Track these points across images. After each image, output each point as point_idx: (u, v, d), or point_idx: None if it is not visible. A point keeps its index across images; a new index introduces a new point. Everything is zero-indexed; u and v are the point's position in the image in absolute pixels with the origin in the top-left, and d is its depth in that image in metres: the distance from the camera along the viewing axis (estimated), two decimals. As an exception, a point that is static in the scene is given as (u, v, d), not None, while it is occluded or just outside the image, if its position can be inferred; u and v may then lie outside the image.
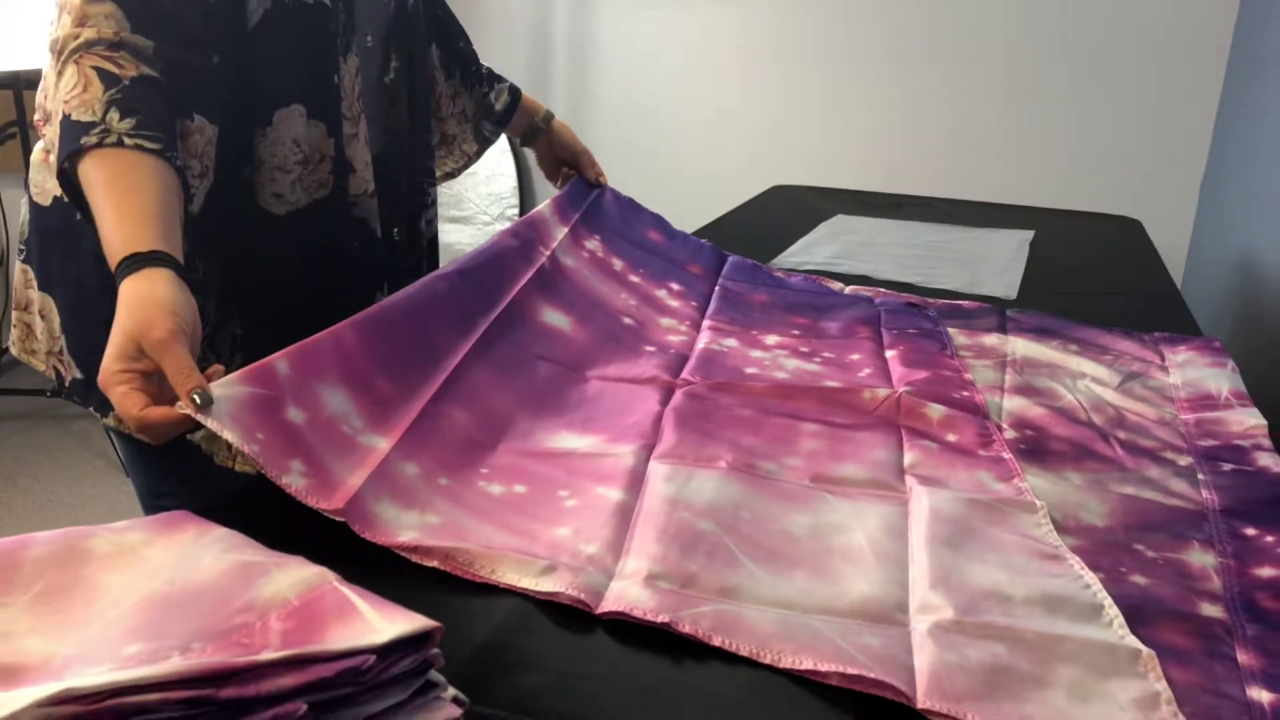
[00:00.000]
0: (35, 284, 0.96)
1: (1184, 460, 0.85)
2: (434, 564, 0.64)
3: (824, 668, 0.56)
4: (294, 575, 0.50)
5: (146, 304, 0.66)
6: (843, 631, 0.60)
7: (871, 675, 0.55)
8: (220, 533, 0.56)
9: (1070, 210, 2.06)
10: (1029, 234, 1.76)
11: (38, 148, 0.94)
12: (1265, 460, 0.84)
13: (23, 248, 0.98)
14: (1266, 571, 0.68)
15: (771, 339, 1.12)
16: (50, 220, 0.93)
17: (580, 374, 0.96)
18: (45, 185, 0.93)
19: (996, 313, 1.25)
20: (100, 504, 2.37)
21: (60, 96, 0.74)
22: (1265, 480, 0.80)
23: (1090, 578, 0.66)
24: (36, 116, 0.92)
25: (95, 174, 0.72)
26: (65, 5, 0.77)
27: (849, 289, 1.35)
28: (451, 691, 0.48)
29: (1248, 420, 0.92)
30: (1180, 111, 2.44)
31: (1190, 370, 1.06)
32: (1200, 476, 0.82)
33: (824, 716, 0.54)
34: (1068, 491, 0.79)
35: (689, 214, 1.78)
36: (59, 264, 0.94)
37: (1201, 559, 0.70)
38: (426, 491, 0.72)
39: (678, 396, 0.92)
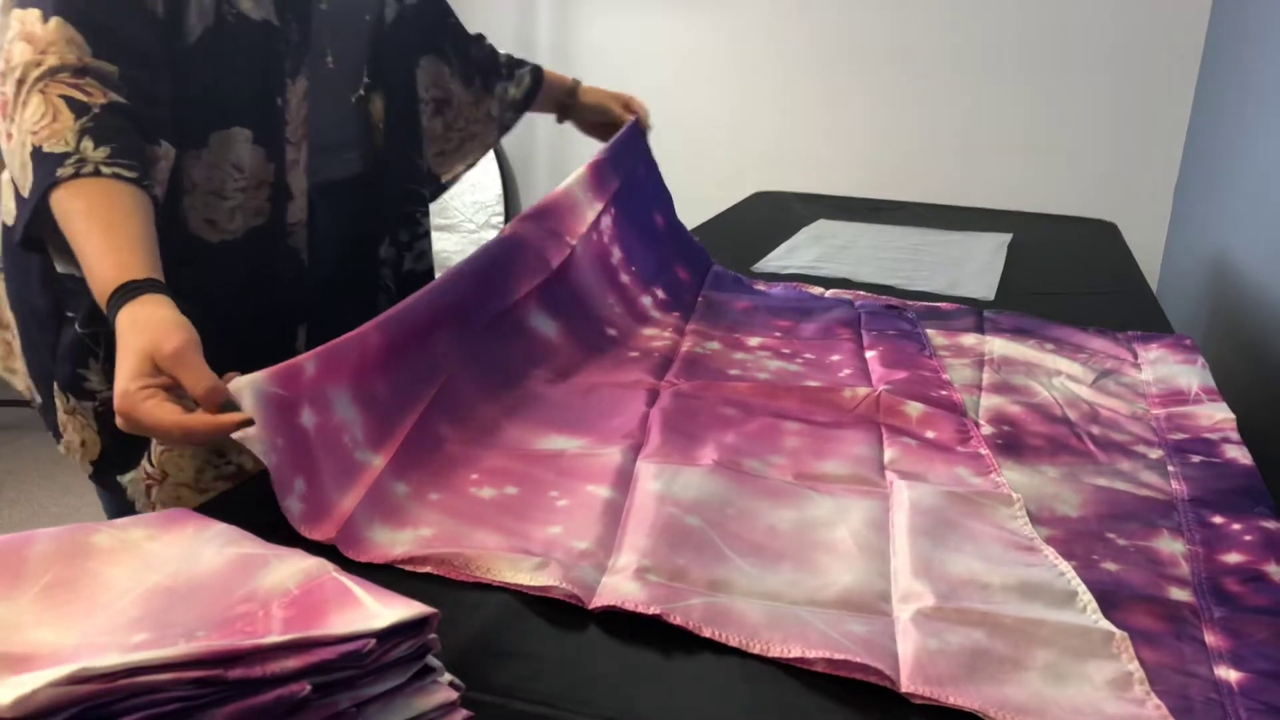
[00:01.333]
0: (8, 302, 0.95)
1: (1155, 453, 0.88)
2: (428, 569, 0.66)
3: (811, 654, 0.58)
4: (294, 566, 0.51)
5: (154, 322, 0.66)
6: (829, 621, 0.62)
7: (857, 660, 0.57)
8: (220, 527, 0.57)
9: (1047, 214, 2.10)
10: (1006, 237, 1.79)
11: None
12: (1233, 452, 0.86)
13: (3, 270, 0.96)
14: (1233, 557, 0.70)
15: (754, 340, 1.14)
16: (9, 241, 0.90)
17: (567, 379, 0.98)
18: (7, 204, 0.90)
19: (974, 314, 1.28)
20: (87, 514, 2.37)
21: (26, 127, 0.72)
22: (1232, 471, 0.83)
23: (1064, 566, 0.68)
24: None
25: (74, 204, 0.70)
26: (20, 33, 0.74)
27: (830, 292, 1.38)
28: (448, 676, 0.49)
29: (1216, 414, 0.94)
30: (1155, 116, 2.48)
31: (1162, 367, 1.09)
32: (1170, 468, 0.85)
33: (812, 703, 0.55)
34: (1043, 484, 0.82)
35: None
36: (15, 286, 0.93)
37: (1171, 546, 0.72)
38: (418, 509, 0.73)
39: (663, 398, 0.94)
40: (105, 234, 0.70)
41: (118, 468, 0.91)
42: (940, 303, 1.35)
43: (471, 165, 1.25)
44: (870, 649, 0.58)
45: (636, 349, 1.08)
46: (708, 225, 1.86)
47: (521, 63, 1.26)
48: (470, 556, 0.66)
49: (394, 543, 0.68)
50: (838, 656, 0.57)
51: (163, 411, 0.63)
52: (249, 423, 0.65)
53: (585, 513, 0.73)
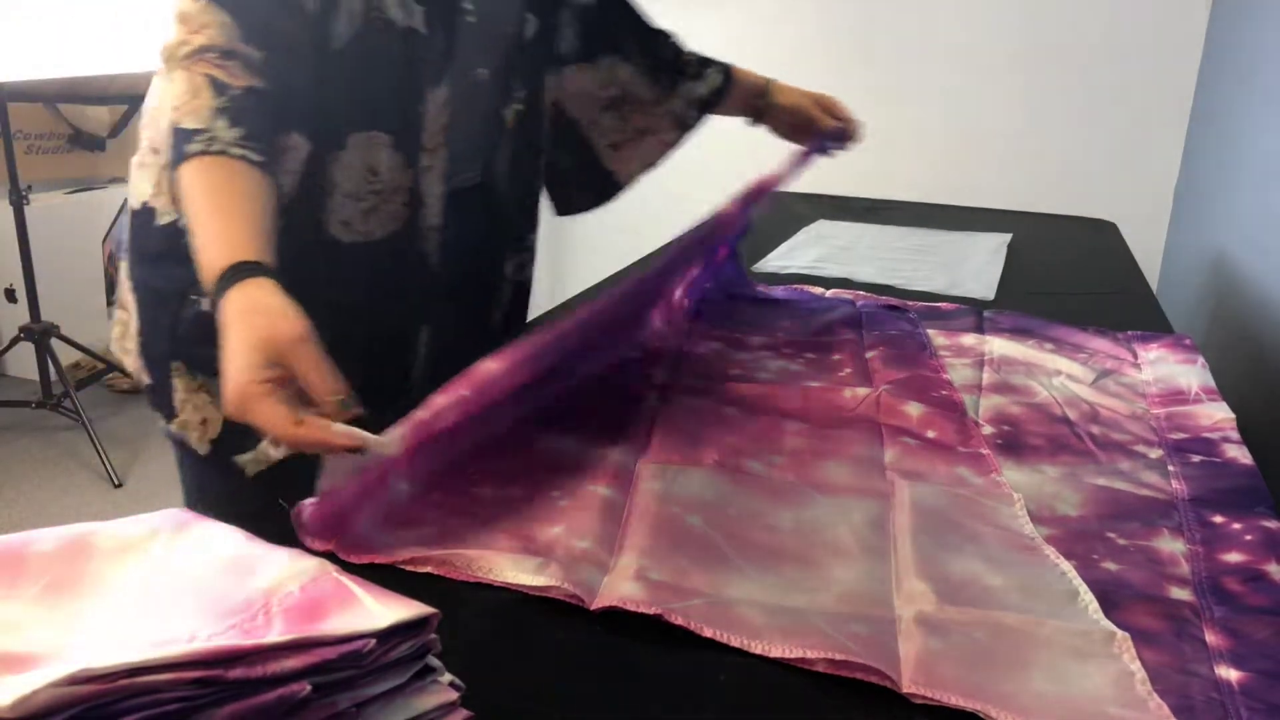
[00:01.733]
0: (129, 284, 0.97)
1: (1155, 453, 0.88)
2: (429, 569, 0.66)
3: (813, 654, 0.58)
4: (294, 566, 0.51)
5: (269, 310, 0.65)
6: (830, 621, 0.62)
7: (859, 660, 0.57)
8: (220, 528, 0.57)
9: (1047, 214, 2.09)
10: (1006, 237, 1.79)
11: (137, 154, 0.94)
12: (1233, 452, 0.86)
13: (123, 250, 0.98)
14: (1233, 557, 0.70)
15: (755, 340, 1.14)
16: (137, 223, 0.93)
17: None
18: (136, 188, 0.93)
19: (974, 313, 1.28)
20: (87, 514, 2.36)
21: (170, 103, 0.73)
22: (1232, 470, 0.83)
23: (1065, 566, 0.68)
24: (143, 121, 0.93)
25: (197, 180, 0.71)
26: (175, 12, 0.76)
27: (830, 293, 1.38)
28: (448, 676, 0.49)
29: (1216, 414, 0.94)
30: (1155, 116, 2.48)
31: (1162, 367, 1.09)
32: (1170, 468, 0.85)
33: (813, 703, 0.55)
34: (1043, 484, 0.82)
35: (673, 220, 1.79)
36: (139, 268, 0.94)
37: (1171, 546, 0.72)
38: (419, 509, 0.73)
39: (664, 397, 0.94)
40: (221, 214, 0.70)
41: (237, 448, 0.92)
42: (940, 303, 1.35)
43: (651, 167, 1.22)
44: (872, 649, 0.58)
45: (638, 349, 1.08)
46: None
47: (710, 61, 1.20)
48: (472, 556, 0.66)
49: (395, 542, 0.68)
50: (839, 657, 0.57)
51: (278, 415, 0.61)
52: (359, 450, 0.63)
53: (586, 512, 0.73)
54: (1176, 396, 1.00)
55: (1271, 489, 0.79)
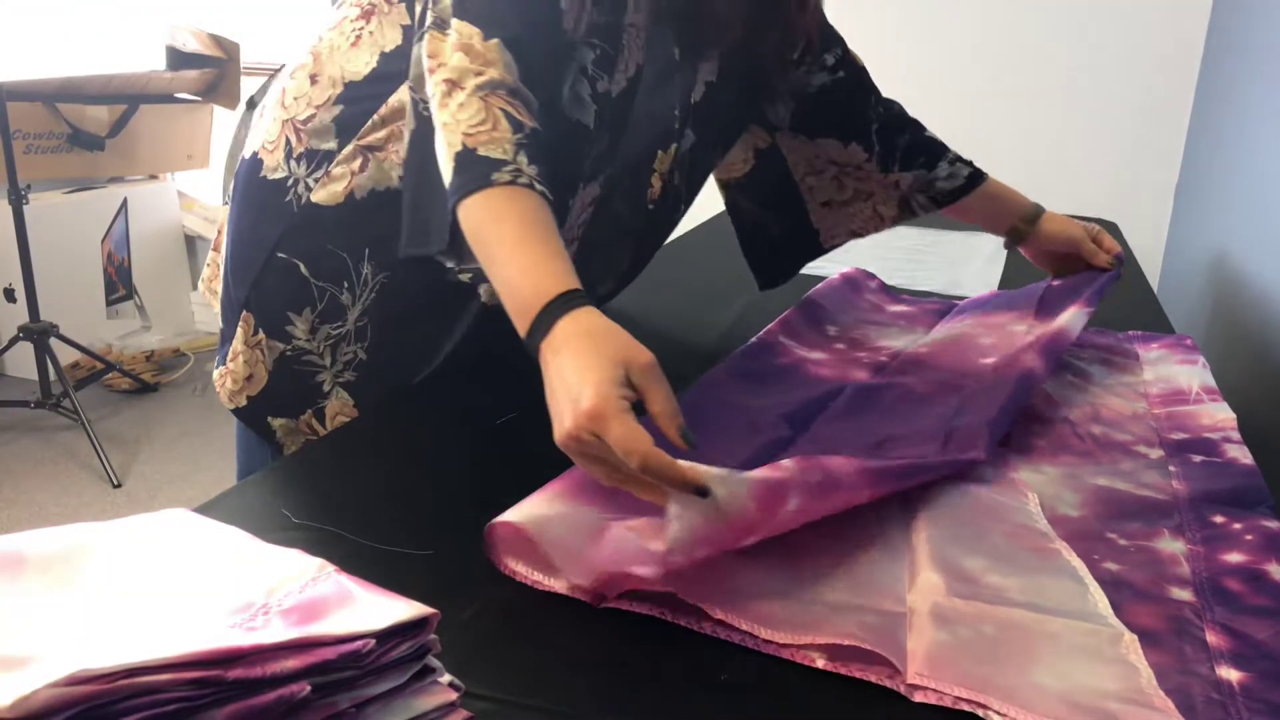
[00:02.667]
0: (226, 228, 1.00)
1: (1155, 453, 0.88)
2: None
3: (820, 640, 0.58)
4: (294, 566, 0.51)
5: (618, 334, 0.66)
6: (839, 608, 0.62)
7: (865, 646, 0.57)
8: (220, 528, 0.57)
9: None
10: (1007, 236, 1.79)
11: (268, 111, 0.96)
12: (1233, 452, 0.86)
13: (231, 193, 1.00)
14: (1234, 557, 0.70)
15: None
16: (243, 173, 0.96)
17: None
18: (253, 139, 0.96)
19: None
20: (87, 514, 2.37)
21: (461, 128, 0.73)
22: (1233, 471, 0.83)
23: (1077, 562, 0.68)
24: (288, 75, 0.94)
25: (509, 206, 0.71)
26: (458, 43, 0.76)
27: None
28: (448, 676, 0.49)
29: (1218, 414, 0.94)
30: (1155, 115, 2.48)
31: (1163, 367, 1.09)
32: (1171, 468, 0.85)
33: (813, 703, 0.55)
34: (1044, 484, 0.82)
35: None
36: (236, 215, 0.97)
37: (1171, 546, 0.72)
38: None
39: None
40: (540, 243, 0.70)
41: (273, 411, 0.97)
42: (927, 298, 1.35)
43: (857, 236, 1.20)
44: (879, 639, 0.58)
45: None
46: (709, 225, 1.86)
47: (961, 160, 1.16)
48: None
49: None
50: (845, 642, 0.57)
51: (638, 431, 0.61)
52: (703, 491, 0.61)
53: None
54: (1177, 396, 1.00)
55: (1272, 489, 0.79)
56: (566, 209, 0.93)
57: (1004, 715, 0.53)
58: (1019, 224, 1.17)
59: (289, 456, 0.89)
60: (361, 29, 0.89)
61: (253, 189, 0.94)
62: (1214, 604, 0.64)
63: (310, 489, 0.78)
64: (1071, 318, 1.04)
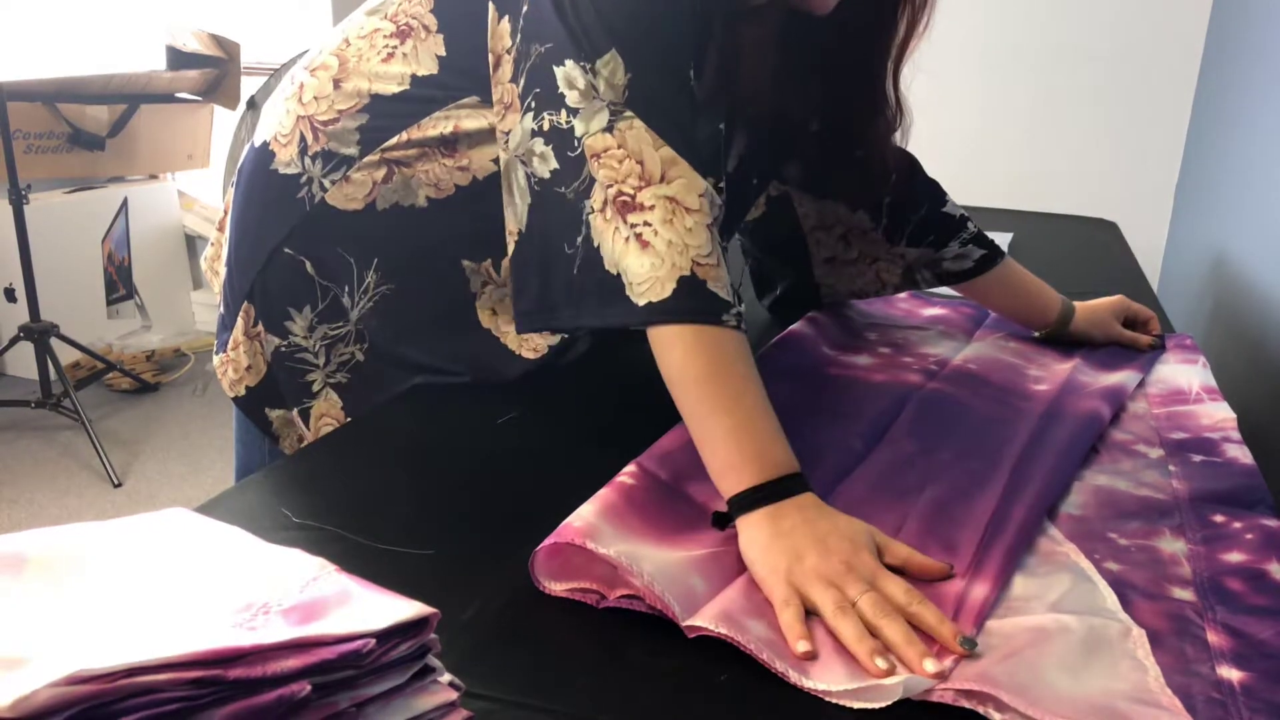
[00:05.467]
0: (230, 214, 1.00)
1: (1155, 453, 0.88)
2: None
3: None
4: (294, 566, 0.51)
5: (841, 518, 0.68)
6: None
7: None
8: (219, 527, 0.57)
9: (1048, 213, 2.10)
10: (1008, 236, 1.79)
11: (275, 92, 0.96)
12: (1233, 451, 0.86)
13: (238, 175, 1.00)
14: (1234, 556, 0.70)
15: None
16: (251, 161, 0.95)
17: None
18: (264, 128, 0.95)
19: (976, 313, 1.27)
20: (88, 514, 2.37)
21: (693, 244, 0.73)
22: (1233, 470, 0.83)
23: (1085, 562, 0.68)
24: (301, 62, 0.94)
25: (739, 351, 0.73)
26: (644, 146, 0.75)
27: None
28: (448, 676, 0.49)
29: (1217, 414, 0.94)
30: (1155, 115, 2.48)
31: (1163, 367, 1.09)
32: (1171, 468, 0.85)
33: (814, 703, 0.55)
34: (1044, 483, 0.81)
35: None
36: (242, 203, 0.97)
37: (1172, 546, 0.72)
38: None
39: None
40: (767, 411, 0.72)
41: (271, 403, 0.98)
42: (956, 300, 1.34)
43: (856, 296, 1.21)
44: None
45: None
46: (708, 225, 1.86)
47: (982, 241, 1.13)
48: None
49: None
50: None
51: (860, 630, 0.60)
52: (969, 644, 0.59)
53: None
54: (1177, 396, 1.00)
55: (1272, 488, 0.79)
56: None
57: (1012, 711, 0.53)
58: (1050, 321, 1.15)
59: (289, 457, 0.89)
60: (395, 48, 0.88)
61: (261, 180, 0.94)
62: (1214, 603, 0.64)
63: (310, 489, 0.78)
64: (1127, 378, 1.03)
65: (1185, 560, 0.70)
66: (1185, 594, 0.66)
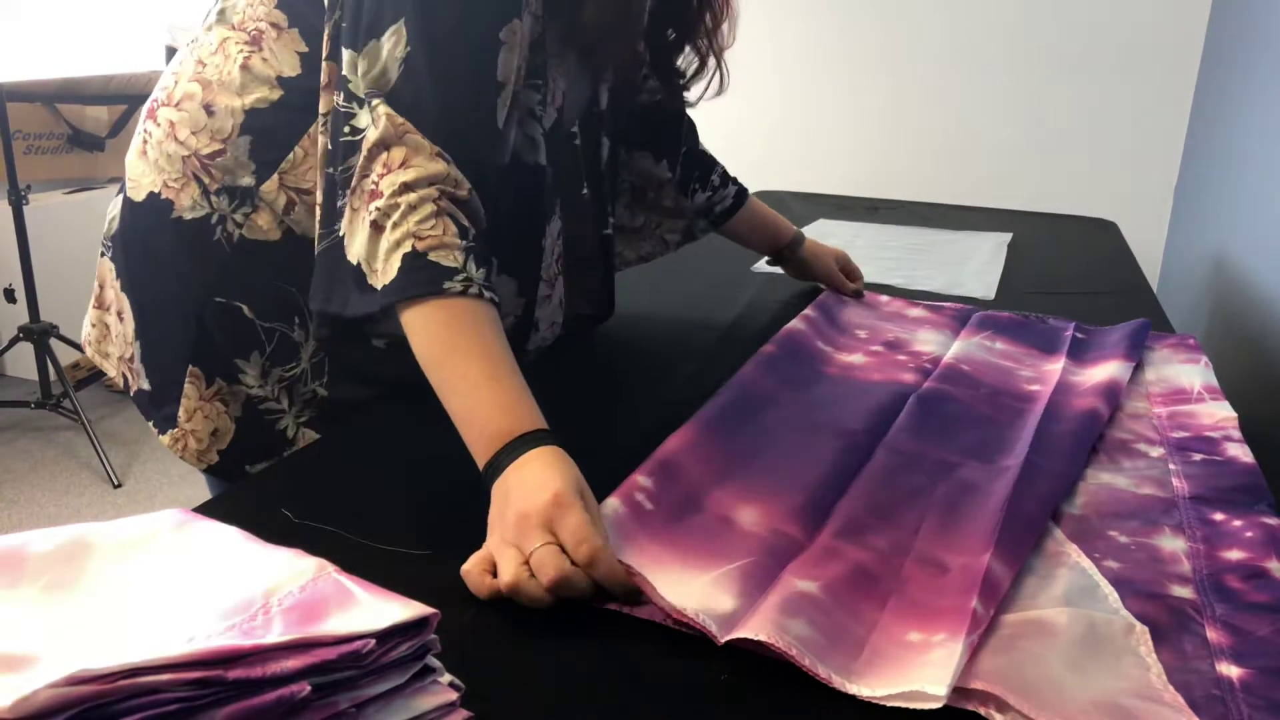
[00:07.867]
0: (118, 284, 0.95)
1: (1156, 451, 0.88)
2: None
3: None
4: (293, 566, 0.51)
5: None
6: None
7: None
8: (219, 528, 0.57)
9: (1047, 213, 2.10)
10: (1007, 236, 1.79)
11: (137, 142, 0.92)
12: (1234, 450, 0.86)
13: (109, 244, 0.96)
14: (1234, 554, 0.70)
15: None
16: (140, 219, 0.91)
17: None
18: (141, 180, 0.90)
19: (974, 312, 1.27)
20: (87, 515, 2.37)
21: (410, 229, 0.73)
22: (1233, 469, 0.83)
23: (1086, 562, 0.68)
24: (158, 99, 0.90)
25: (462, 321, 0.72)
26: (414, 143, 0.75)
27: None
28: (448, 676, 0.49)
29: (1219, 413, 0.94)
30: (1155, 115, 2.48)
31: (1165, 367, 1.09)
32: (1172, 466, 0.85)
33: (815, 704, 0.55)
34: (1044, 483, 0.81)
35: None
36: (140, 267, 0.92)
37: (1172, 544, 0.72)
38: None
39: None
40: (502, 364, 0.72)
41: (250, 459, 0.93)
42: (941, 302, 1.34)
43: (644, 260, 1.26)
44: None
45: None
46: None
47: (730, 181, 1.25)
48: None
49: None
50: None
51: (597, 527, 0.64)
52: (635, 597, 0.63)
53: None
54: (1179, 396, 1.00)
55: (1272, 487, 0.79)
56: (541, 251, 0.92)
57: (1014, 711, 0.53)
58: (784, 250, 1.31)
59: (289, 456, 0.89)
60: (251, 53, 0.84)
61: (163, 233, 0.88)
62: (1214, 601, 0.64)
63: (310, 489, 0.78)
64: (1120, 369, 1.03)
65: (1185, 558, 0.70)
66: (1185, 592, 0.66)
